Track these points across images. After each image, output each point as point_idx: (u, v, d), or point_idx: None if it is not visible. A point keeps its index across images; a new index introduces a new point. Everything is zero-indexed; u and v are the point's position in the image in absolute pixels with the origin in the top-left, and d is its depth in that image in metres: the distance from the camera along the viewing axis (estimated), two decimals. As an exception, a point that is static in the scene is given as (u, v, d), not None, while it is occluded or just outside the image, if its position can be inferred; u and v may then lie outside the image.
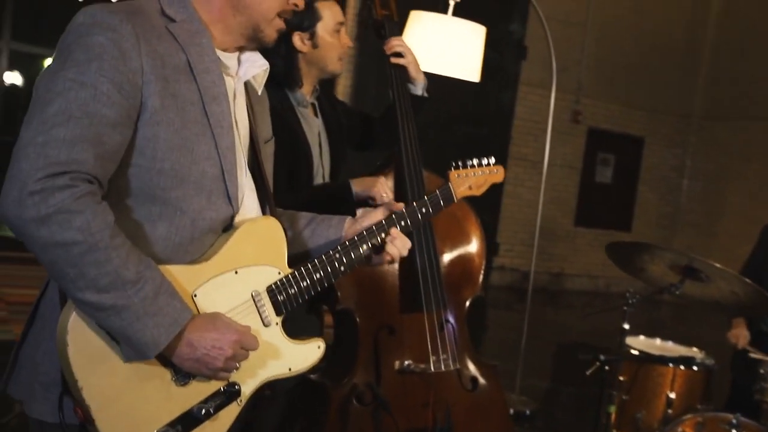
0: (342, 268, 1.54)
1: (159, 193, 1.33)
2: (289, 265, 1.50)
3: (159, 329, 1.26)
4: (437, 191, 1.72)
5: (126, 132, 1.28)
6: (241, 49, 1.50)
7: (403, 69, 2.39)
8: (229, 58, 1.47)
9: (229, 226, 1.43)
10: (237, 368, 1.39)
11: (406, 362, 2.25)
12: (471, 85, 8.40)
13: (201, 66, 1.38)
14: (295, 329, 2.38)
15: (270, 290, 1.46)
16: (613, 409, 2.84)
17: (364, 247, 1.57)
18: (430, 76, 2.49)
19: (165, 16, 1.39)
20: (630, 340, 3.18)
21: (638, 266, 2.82)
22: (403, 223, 1.62)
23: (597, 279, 9.91)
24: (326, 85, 2.41)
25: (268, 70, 1.54)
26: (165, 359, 1.32)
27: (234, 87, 1.48)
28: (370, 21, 2.40)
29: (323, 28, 2.25)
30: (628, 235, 10.09)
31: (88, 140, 1.22)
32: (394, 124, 2.31)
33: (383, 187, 2.21)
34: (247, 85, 1.54)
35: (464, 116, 8.60)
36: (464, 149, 8.63)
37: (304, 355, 1.53)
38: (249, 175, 1.50)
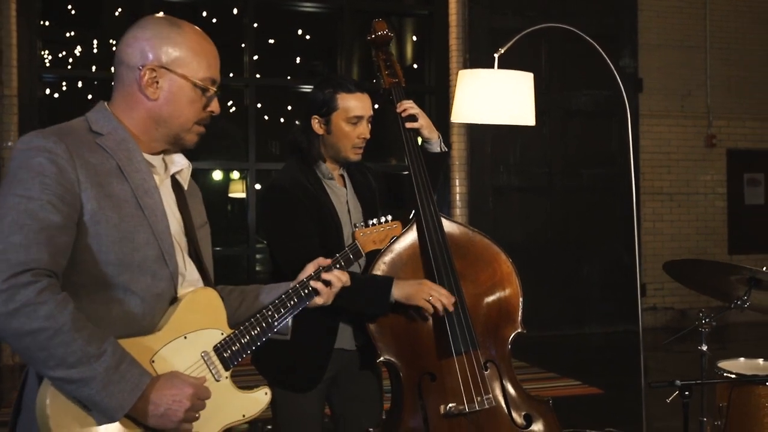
0: (275, 321, 1.77)
1: (109, 280, 1.54)
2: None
3: (123, 394, 1.46)
4: (347, 248, 1.98)
5: (72, 233, 1.50)
6: (165, 151, 1.72)
7: (416, 132, 2.54)
8: (154, 159, 1.69)
9: (174, 299, 1.64)
10: (197, 418, 1.57)
11: (449, 406, 2.31)
12: (591, 127, 8.36)
13: (130, 167, 1.61)
14: (355, 385, 2.53)
15: (216, 349, 1.67)
16: (705, 438, 2.70)
17: (294, 300, 1.82)
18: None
19: (93, 132, 1.62)
20: (727, 363, 3.01)
21: (705, 283, 2.71)
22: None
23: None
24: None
25: (191, 168, 1.77)
26: (134, 419, 1.51)
27: (161, 183, 1.69)
28: (381, 90, 2.57)
29: (339, 117, 2.40)
30: (794, 257, 9.31)
31: (41, 242, 1.44)
32: (411, 188, 2.46)
33: (426, 292, 2.31)
34: (176, 184, 1.76)
35: (588, 158, 8.46)
36: (593, 191, 8.53)
37: (254, 401, 1.73)
38: (189, 260, 1.71)
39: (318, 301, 1.86)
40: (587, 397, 5.61)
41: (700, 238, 9.08)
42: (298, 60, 9.91)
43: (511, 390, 2.39)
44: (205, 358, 1.65)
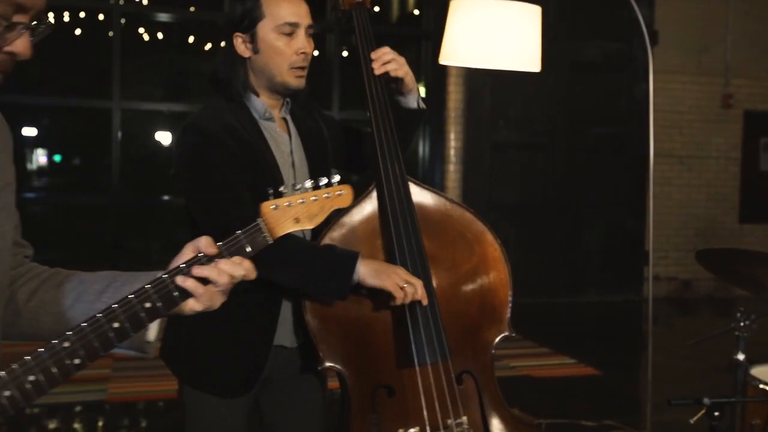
0: (77, 363, 1.03)
1: None
2: None
3: None
4: (241, 233, 1.19)
5: None
6: None
7: (398, 81, 1.94)
8: None
9: None
10: None
11: (411, 431, 1.76)
12: (599, 81, 7.73)
13: None
14: (293, 391, 1.99)
15: None
16: (735, 466, 2.17)
17: (139, 310, 1.07)
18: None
19: None
20: (761, 371, 2.46)
21: (747, 276, 2.14)
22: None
23: (776, 281, 8.65)
24: (305, 95, 1.98)
25: None
26: None
27: None
28: (338, 13, 1.95)
29: (266, 28, 1.81)
30: (808, 228, 8.77)
31: None
32: (372, 141, 1.85)
33: (400, 277, 1.72)
34: None
35: (594, 116, 7.88)
36: (598, 152, 7.92)
37: None
38: None
39: (194, 306, 1.15)
40: (583, 378, 5.10)
41: (710, 205, 8.52)
42: None
43: (491, 411, 1.84)
44: None
